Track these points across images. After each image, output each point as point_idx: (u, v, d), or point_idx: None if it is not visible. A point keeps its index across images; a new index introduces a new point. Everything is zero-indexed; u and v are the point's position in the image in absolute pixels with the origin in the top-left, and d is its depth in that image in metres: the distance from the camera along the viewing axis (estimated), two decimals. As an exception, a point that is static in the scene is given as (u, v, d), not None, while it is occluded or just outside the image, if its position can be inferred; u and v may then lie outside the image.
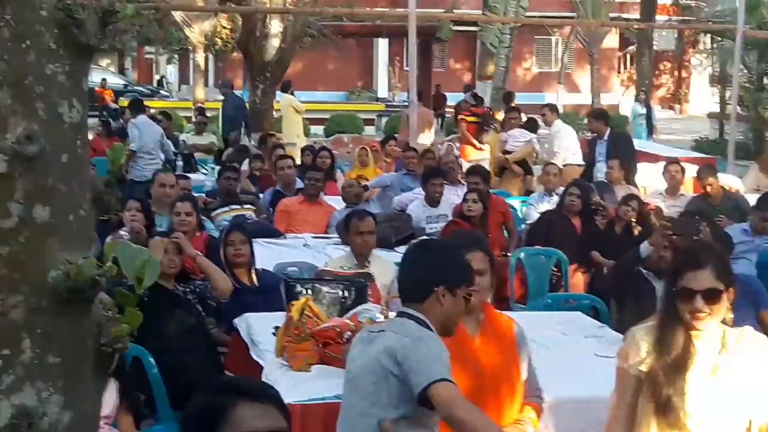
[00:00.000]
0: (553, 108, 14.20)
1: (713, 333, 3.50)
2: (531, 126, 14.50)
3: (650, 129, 21.97)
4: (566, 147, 13.34)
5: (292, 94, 18.27)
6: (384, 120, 27.94)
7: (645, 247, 6.59)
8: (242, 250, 6.48)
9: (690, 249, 3.78)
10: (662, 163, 12.03)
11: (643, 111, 22.42)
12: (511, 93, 17.88)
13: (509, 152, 13.46)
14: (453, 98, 33.30)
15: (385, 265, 6.58)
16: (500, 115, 17.37)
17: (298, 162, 12.14)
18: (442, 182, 9.54)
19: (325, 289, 5.58)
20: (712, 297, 3.42)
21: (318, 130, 24.98)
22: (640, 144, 17.90)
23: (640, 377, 3.52)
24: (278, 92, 18.95)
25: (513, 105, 16.54)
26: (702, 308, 3.41)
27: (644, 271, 6.48)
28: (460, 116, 16.59)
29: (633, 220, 8.78)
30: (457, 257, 3.77)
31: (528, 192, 12.82)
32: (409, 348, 3.42)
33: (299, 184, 10.28)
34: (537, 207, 10.24)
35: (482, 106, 16.81)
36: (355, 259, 6.51)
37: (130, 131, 13.13)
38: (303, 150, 13.34)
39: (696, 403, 3.45)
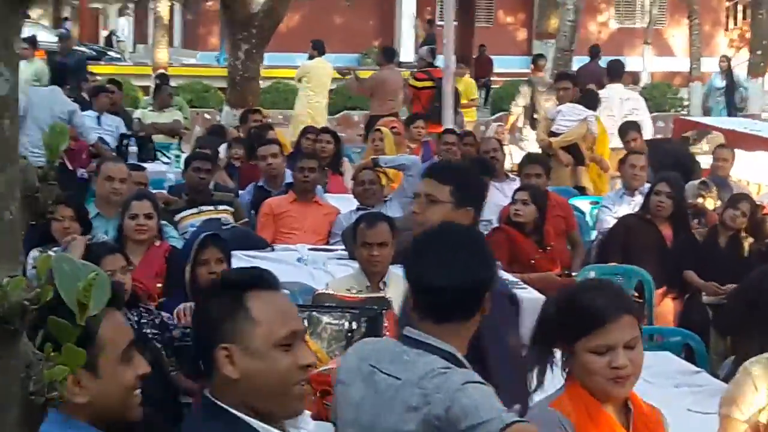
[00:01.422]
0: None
1: None
2: (589, 99, 14.38)
3: (730, 108, 21.88)
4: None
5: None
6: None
7: None
8: (219, 273, 6.47)
9: None
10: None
11: (722, 84, 22.39)
12: (618, 62, 17.37)
13: (556, 134, 13.42)
14: (502, 63, 33.47)
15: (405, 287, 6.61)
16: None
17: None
18: (486, 179, 9.54)
19: (325, 319, 5.61)
20: None
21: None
22: (753, 125, 17.87)
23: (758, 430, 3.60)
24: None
25: (566, 71, 16.53)
26: None
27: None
28: (409, 81, 16.91)
29: (742, 228, 8.79)
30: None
31: (578, 188, 12.82)
32: (454, 407, 3.35)
33: (289, 177, 10.28)
34: (613, 210, 10.25)
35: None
36: (366, 279, 6.56)
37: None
38: (303, 132, 13.30)
39: None
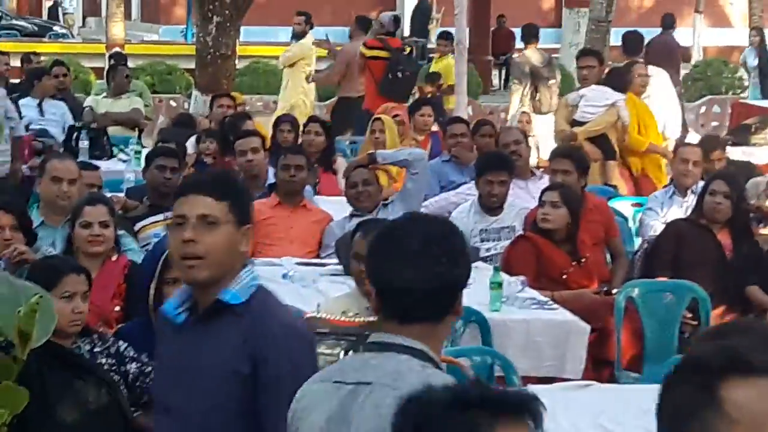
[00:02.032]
0: None
1: None
2: (617, 79, 14.35)
3: (766, 89, 21.79)
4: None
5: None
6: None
7: None
8: None
9: None
10: None
11: (755, 63, 22.28)
12: (637, 36, 17.56)
13: (581, 123, 13.41)
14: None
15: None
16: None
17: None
18: (507, 178, 9.51)
19: (318, 348, 5.63)
20: None
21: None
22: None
23: None
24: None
25: (587, 48, 16.56)
26: None
27: None
28: (361, 48, 17.07)
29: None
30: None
31: (609, 186, 12.81)
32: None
33: (272, 177, 10.29)
34: (661, 213, 10.26)
35: (407, 38, 17.17)
36: (364, 299, 6.56)
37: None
38: (276, 122, 13.31)
39: None
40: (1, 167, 12.03)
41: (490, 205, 9.55)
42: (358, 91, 16.84)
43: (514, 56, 28.54)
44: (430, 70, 18.90)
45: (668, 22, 22.97)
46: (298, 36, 18.99)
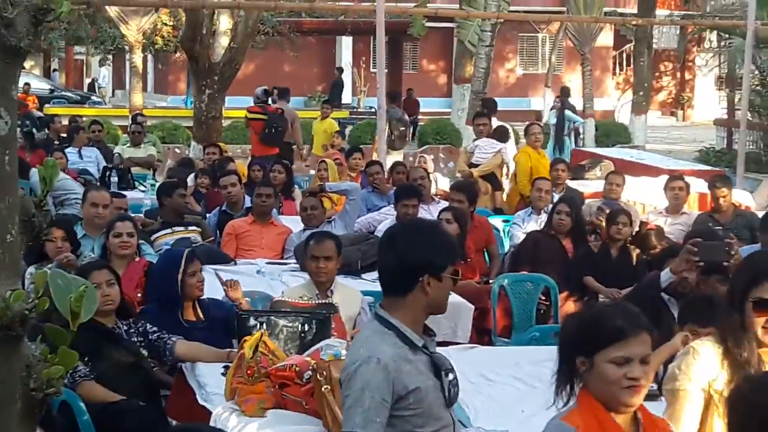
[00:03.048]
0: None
1: None
2: (501, 134, 14.55)
3: (558, 143, 21.47)
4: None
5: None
6: (348, 129, 28.01)
7: (666, 275, 6.64)
8: (203, 283, 6.46)
9: None
10: (663, 177, 12.14)
11: (554, 120, 21.82)
12: (492, 100, 18.04)
13: (476, 165, 13.51)
14: (427, 104, 33.62)
15: (350, 294, 6.61)
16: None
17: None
18: (417, 203, 9.52)
19: (282, 322, 5.60)
20: None
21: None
22: (638, 155, 18.09)
23: (709, 398, 3.61)
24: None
25: (481, 110, 16.62)
26: None
27: (665, 296, 6.52)
28: (246, 113, 17.25)
29: (628, 239, 8.87)
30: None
31: (497, 210, 12.91)
32: (345, 386, 3.68)
33: (249, 203, 10.31)
34: (523, 227, 10.30)
35: (275, 106, 17.35)
36: (315, 288, 6.55)
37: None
38: (250, 164, 13.43)
39: None
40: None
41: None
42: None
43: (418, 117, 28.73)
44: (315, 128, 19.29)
45: (565, 92, 23.12)
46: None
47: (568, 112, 21.89)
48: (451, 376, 3.74)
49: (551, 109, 23.05)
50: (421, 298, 3.72)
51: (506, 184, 14.00)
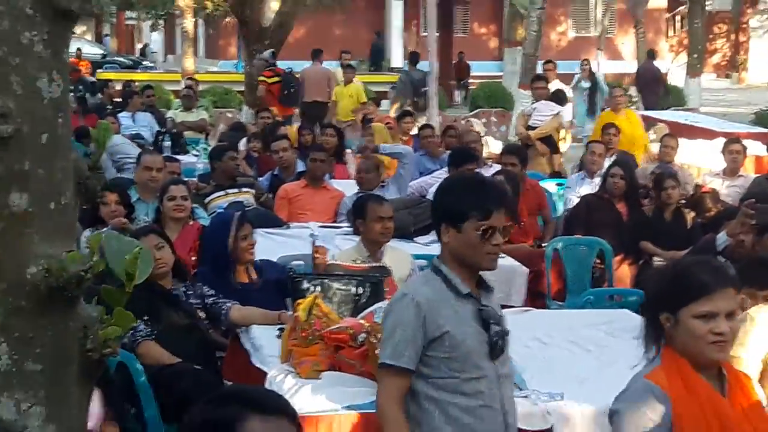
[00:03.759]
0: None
1: None
2: (559, 97, 14.46)
3: (592, 106, 21.31)
4: None
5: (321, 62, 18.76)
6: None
7: (722, 237, 6.55)
8: (254, 246, 6.46)
9: None
10: (718, 140, 11.99)
11: (587, 85, 21.75)
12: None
13: (533, 128, 13.41)
14: (478, 67, 33.43)
15: (400, 256, 6.58)
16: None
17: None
18: (474, 167, 9.41)
19: (335, 285, 5.58)
20: None
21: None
22: (692, 118, 17.88)
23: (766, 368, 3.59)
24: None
25: (538, 73, 16.50)
26: None
27: (722, 259, 6.44)
28: (260, 78, 17.51)
29: (683, 202, 8.78)
30: (470, 185, 3.92)
31: (554, 173, 12.82)
32: (383, 321, 3.90)
33: (301, 167, 10.31)
34: (576, 191, 10.23)
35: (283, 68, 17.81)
36: (366, 250, 6.51)
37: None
38: (300, 128, 13.44)
39: None
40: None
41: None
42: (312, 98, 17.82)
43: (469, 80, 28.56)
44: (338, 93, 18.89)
45: (650, 54, 23.11)
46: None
47: (599, 79, 21.61)
48: (497, 328, 3.78)
49: (579, 75, 22.65)
50: (446, 248, 3.81)
51: (563, 147, 13.91)
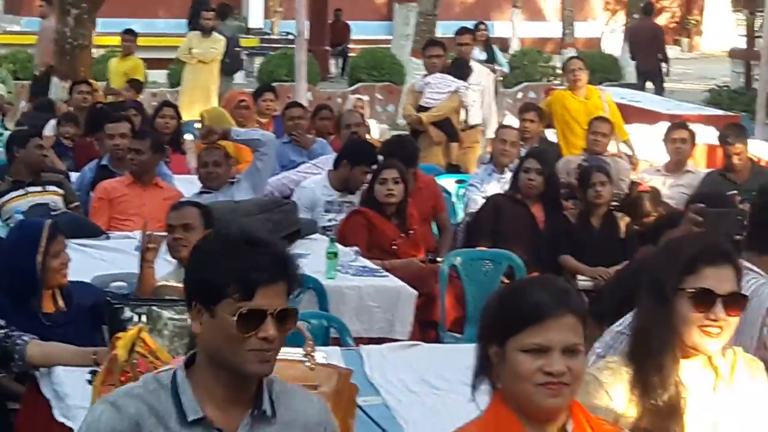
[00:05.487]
0: None
1: (715, 359, 3.68)
2: (459, 69, 14.43)
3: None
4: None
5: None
6: (257, 62, 27.90)
7: None
8: (67, 266, 6.34)
9: (710, 238, 3.97)
10: (662, 125, 12.21)
11: (483, 57, 22.02)
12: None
13: (426, 108, 13.44)
14: (360, 29, 33.53)
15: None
16: None
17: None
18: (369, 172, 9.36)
19: (166, 314, 5.56)
20: (735, 304, 3.61)
21: (158, 76, 24.76)
22: (631, 96, 18.18)
23: None
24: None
25: (433, 38, 16.57)
26: (720, 317, 3.58)
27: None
28: None
29: (615, 204, 8.94)
30: (225, 249, 3.23)
31: (452, 167, 12.88)
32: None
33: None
34: (481, 189, 10.30)
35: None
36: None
37: None
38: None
39: None
40: None
41: (349, 186, 9.50)
42: None
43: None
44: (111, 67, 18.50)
45: (648, 9, 23.80)
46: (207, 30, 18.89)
47: (496, 50, 21.70)
48: None
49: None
50: (200, 342, 3.24)
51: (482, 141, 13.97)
